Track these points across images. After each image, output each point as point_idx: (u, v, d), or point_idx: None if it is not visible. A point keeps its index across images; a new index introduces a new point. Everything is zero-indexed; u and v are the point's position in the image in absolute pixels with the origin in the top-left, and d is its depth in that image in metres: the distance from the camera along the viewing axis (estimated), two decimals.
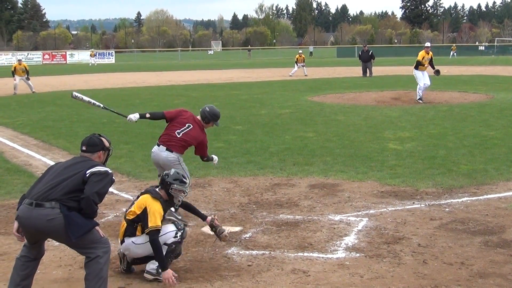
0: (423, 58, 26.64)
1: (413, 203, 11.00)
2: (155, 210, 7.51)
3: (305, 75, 48.59)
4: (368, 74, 45.86)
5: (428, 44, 27.86)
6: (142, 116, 10.37)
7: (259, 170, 13.92)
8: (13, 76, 37.30)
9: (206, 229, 9.66)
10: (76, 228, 6.55)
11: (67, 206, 6.55)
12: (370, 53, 46.47)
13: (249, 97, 31.26)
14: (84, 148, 7.08)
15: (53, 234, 6.71)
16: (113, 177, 6.92)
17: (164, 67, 74.77)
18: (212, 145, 16.99)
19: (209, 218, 8.44)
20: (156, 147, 10.19)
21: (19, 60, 39.36)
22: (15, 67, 37.61)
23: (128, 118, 10.41)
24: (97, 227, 6.80)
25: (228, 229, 8.84)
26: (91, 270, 6.72)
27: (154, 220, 7.44)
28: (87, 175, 6.66)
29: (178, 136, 10.05)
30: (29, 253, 6.92)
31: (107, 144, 7.19)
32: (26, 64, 39.36)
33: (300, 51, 55.15)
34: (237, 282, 7.57)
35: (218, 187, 12.44)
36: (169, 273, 7.35)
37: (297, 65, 50.85)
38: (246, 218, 10.29)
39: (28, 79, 37.46)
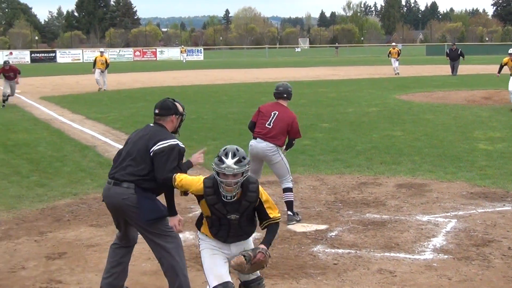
0: (505, 64, 24.59)
1: (504, 205, 10.75)
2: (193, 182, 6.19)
3: (396, 74, 46.78)
4: (454, 72, 45.22)
5: (511, 50, 24.91)
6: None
7: (346, 168, 13.85)
8: (93, 68, 36.99)
9: (292, 226, 9.70)
10: (147, 212, 6.61)
11: (142, 187, 6.64)
12: (459, 52, 45.57)
13: (336, 95, 31.14)
14: (157, 111, 7.04)
15: (127, 214, 6.74)
16: (181, 146, 6.80)
17: (252, 64, 75.17)
18: (299, 143, 17.01)
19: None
20: (253, 140, 10.27)
21: (101, 52, 38.83)
22: (96, 59, 37.20)
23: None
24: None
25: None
26: (166, 267, 6.77)
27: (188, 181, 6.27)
28: (151, 154, 6.66)
29: (270, 126, 10.14)
30: (118, 240, 7.10)
31: (180, 109, 7.12)
32: (107, 57, 39.08)
33: (394, 44, 53.76)
34: (323, 281, 7.55)
35: (305, 185, 12.44)
36: (175, 219, 6.79)
37: (392, 59, 48.34)
38: (332, 217, 10.26)
39: (104, 71, 36.83)
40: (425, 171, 13.42)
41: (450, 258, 8.21)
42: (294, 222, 9.96)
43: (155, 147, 6.67)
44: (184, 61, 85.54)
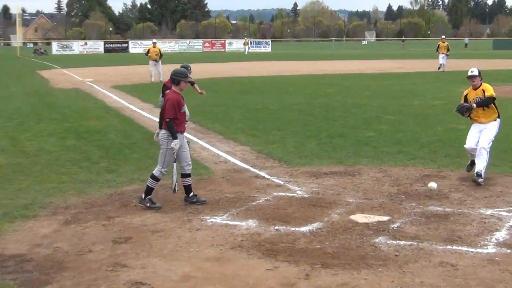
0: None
1: None
2: None
3: (439, 69, 42.74)
4: None
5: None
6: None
7: (409, 161, 13.63)
8: (147, 55, 35.70)
9: (355, 217, 9.57)
10: None
11: None
12: None
13: (401, 88, 30.72)
14: None
15: None
16: None
17: (318, 56, 74.83)
18: (364, 134, 16.85)
19: None
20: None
21: (154, 43, 37.71)
22: (148, 50, 35.82)
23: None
24: None
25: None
26: None
27: None
28: None
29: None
30: None
31: None
32: (160, 48, 37.50)
33: (443, 37, 47.77)
34: (384, 272, 7.41)
35: (368, 176, 12.28)
36: None
37: (440, 54, 42.90)
38: (395, 208, 10.08)
39: (158, 61, 35.44)
40: (490, 164, 13.06)
41: None
42: (144, 206, 10.22)
43: None
44: (245, 52, 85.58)
